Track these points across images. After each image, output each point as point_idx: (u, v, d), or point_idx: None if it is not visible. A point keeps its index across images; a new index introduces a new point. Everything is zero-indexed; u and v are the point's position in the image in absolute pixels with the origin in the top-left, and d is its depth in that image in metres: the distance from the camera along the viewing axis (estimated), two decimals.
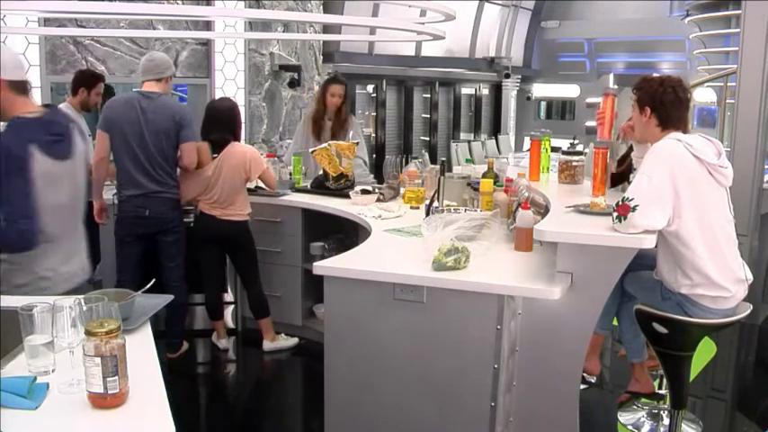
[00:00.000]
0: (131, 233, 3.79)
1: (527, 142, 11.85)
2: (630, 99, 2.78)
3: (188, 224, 4.04)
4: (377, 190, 4.16)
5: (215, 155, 3.89)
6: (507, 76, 12.95)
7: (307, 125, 4.82)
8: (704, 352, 4.10)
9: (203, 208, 3.97)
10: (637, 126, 2.74)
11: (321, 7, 7.49)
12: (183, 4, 5.90)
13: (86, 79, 4.44)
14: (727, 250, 2.57)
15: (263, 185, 4.25)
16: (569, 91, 14.09)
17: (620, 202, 2.37)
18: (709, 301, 2.55)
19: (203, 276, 4.16)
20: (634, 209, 2.34)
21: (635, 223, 2.34)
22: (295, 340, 4.27)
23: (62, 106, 4.42)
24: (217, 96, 6.14)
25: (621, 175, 3.29)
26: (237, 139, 4.02)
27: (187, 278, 3.94)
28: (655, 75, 2.75)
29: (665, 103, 2.60)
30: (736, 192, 2.73)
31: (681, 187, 2.43)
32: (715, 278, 2.52)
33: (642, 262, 2.68)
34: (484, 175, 3.50)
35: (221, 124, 3.96)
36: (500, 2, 12.51)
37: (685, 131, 2.70)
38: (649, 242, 2.34)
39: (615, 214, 2.37)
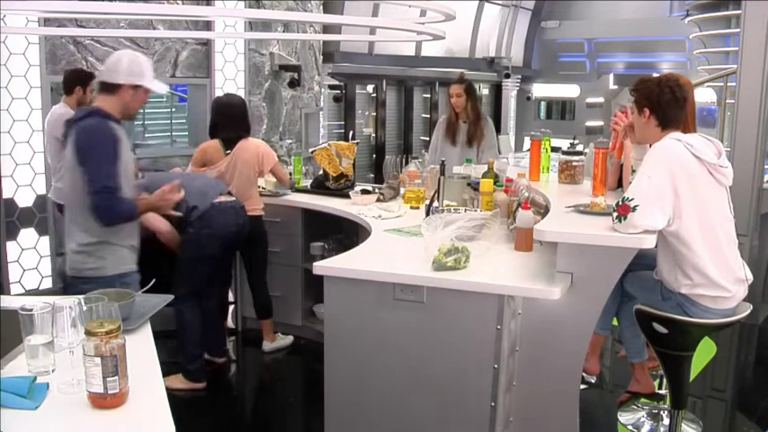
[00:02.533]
0: (224, 246, 3.71)
1: (527, 142, 11.84)
2: (629, 101, 2.78)
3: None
4: (377, 190, 4.16)
5: (227, 151, 3.89)
6: (507, 76, 12.95)
7: (440, 130, 4.88)
8: (704, 352, 4.10)
9: None
10: (636, 127, 2.73)
11: (321, 7, 7.48)
12: (183, 4, 5.90)
13: (81, 78, 4.39)
14: (728, 250, 2.56)
15: (263, 185, 4.25)
16: (569, 91, 14.08)
17: (620, 202, 2.37)
18: (709, 301, 2.55)
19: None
20: (634, 209, 2.34)
21: (635, 223, 2.34)
22: (291, 338, 4.28)
23: (58, 107, 4.41)
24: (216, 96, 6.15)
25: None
26: (249, 134, 4.02)
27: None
28: (654, 75, 2.75)
29: (662, 104, 2.59)
30: (736, 192, 2.72)
31: (681, 187, 2.43)
32: (715, 278, 2.51)
33: (642, 262, 2.68)
34: (484, 175, 3.50)
35: (235, 120, 3.95)
36: (500, 2, 12.51)
37: (687, 130, 2.70)
38: (649, 242, 2.34)
39: (615, 214, 2.37)
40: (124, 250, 2.69)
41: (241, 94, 6.25)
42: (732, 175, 2.55)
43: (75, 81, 4.36)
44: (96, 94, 2.72)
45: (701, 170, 2.48)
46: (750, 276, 2.64)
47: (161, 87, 2.80)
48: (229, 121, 3.94)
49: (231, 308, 4.50)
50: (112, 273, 2.63)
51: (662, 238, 2.53)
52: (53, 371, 1.65)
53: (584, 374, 2.96)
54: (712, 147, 2.53)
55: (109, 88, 2.64)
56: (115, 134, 2.61)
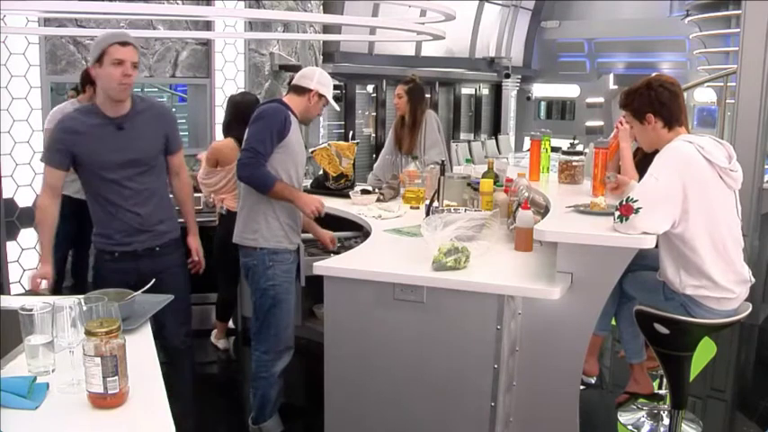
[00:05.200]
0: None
1: (527, 142, 11.85)
2: (624, 122, 2.76)
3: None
4: (377, 190, 4.16)
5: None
6: (507, 76, 12.96)
7: (392, 136, 4.58)
8: (704, 352, 4.10)
9: (233, 206, 3.87)
10: (642, 138, 2.69)
11: (321, 7, 7.49)
12: (183, 4, 5.90)
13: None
14: (735, 254, 2.55)
15: None
16: (569, 91, 14.10)
17: (624, 202, 2.37)
18: (713, 302, 2.54)
19: (225, 277, 4.16)
20: (637, 211, 2.33)
21: (636, 225, 2.33)
22: None
23: (67, 104, 4.38)
24: (217, 96, 6.14)
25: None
26: None
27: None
28: (628, 88, 2.73)
29: (663, 102, 2.58)
30: None
31: (690, 190, 2.41)
32: (720, 281, 2.50)
33: (642, 262, 2.68)
34: (484, 175, 3.50)
35: (248, 119, 3.94)
36: (500, 2, 12.52)
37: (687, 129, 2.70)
38: (649, 242, 2.34)
39: (617, 213, 2.36)
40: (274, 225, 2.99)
41: None
42: (741, 178, 2.54)
43: (87, 81, 4.22)
44: (285, 94, 3.11)
45: (711, 173, 2.47)
46: (752, 278, 2.64)
47: (336, 106, 3.23)
48: (242, 121, 3.92)
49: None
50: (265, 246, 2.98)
51: (667, 240, 2.52)
52: (53, 371, 1.65)
53: (582, 376, 2.96)
54: (723, 150, 2.52)
55: (299, 90, 3.04)
56: (286, 119, 2.93)
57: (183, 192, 3.03)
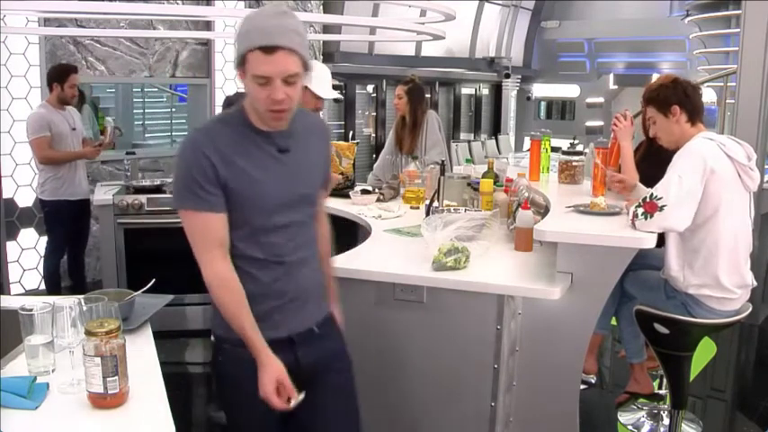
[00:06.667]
0: None
1: (527, 142, 11.84)
2: (622, 119, 2.77)
3: None
4: (377, 190, 4.15)
5: None
6: (507, 76, 12.95)
7: (392, 136, 4.53)
8: (704, 352, 4.10)
9: None
10: (665, 133, 2.68)
11: (321, 7, 7.48)
12: (183, 4, 5.90)
13: (56, 74, 4.31)
14: (743, 257, 2.56)
15: None
16: (569, 91, 14.08)
17: (648, 199, 2.37)
18: (714, 302, 2.55)
19: None
20: (662, 208, 2.34)
21: (659, 223, 2.34)
22: None
23: (39, 107, 4.38)
24: (217, 96, 6.14)
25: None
26: None
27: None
28: (650, 84, 2.76)
29: (689, 95, 2.62)
30: None
31: (709, 187, 2.43)
32: (724, 282, 2.51)
33: (642, 262, 2.68)
34: (484, 175, 3.50)
35: None
36: (500, 2, 12.51)
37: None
38: (649, 242, 2.34)
39: (641, 210, 2.36)
40: None
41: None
42: (759, 180, 2.55)
43: (51, 79, 4.30)
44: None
45: (731, 171, 2.48)
46: (754, 282, 2.64)
47: (327, 93, 2.93)
48: None
49: None
50: None
51: (677, 237, 2.53)
52: (53, 371, 1.65)
53: (582, 375, 2.96)
54: (742, 149, 2.54)
55: None
56: None
57: (326, 244, 2.02)
